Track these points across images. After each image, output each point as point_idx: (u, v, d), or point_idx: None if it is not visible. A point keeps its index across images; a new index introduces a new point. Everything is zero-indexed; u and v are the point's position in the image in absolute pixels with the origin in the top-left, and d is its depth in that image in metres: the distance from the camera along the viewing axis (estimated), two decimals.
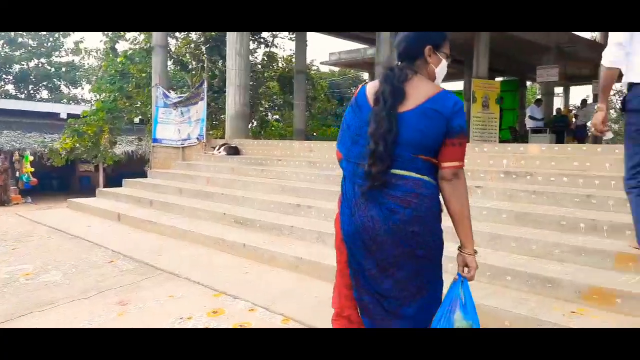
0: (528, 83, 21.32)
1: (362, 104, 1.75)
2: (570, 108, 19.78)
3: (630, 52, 2.72)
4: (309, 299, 3.38)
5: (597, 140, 11.02)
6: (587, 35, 16.24)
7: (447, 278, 1.88)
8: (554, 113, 15.31)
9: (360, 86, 1.80)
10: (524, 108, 17.29)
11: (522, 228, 3.87)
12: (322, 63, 22.03)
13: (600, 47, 16.50)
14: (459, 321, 1.71)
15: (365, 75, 22.92)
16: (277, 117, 22.72)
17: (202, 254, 4.65)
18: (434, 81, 1.78)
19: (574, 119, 14.53)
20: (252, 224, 5.21)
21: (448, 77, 21.35)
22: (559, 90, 22.53)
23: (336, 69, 27.81)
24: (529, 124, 14.18)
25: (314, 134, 21.32)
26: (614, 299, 2.78)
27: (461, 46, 16.79)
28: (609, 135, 2.95)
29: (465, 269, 1.77)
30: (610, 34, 2.77)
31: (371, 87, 1.76)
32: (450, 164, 1.67)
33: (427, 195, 1.68)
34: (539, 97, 18.26)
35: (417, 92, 1.66)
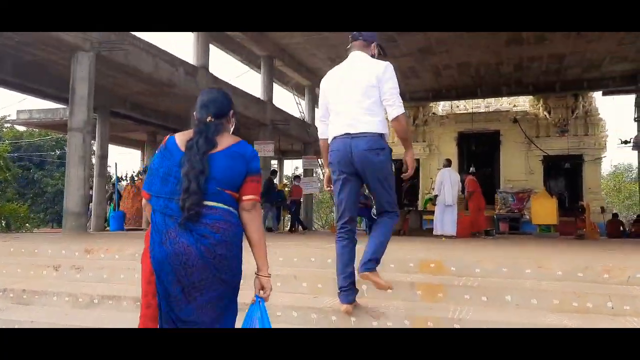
0: None
1: (172, 149, 1.95)
2: (285, 182, 20.51)
3: (329, 122, 3.20)
4: None
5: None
6: (297, 114, 17.12)
7: None
8: None
9: (167, 137, 2.00)
10: None
11: None
12: (7, 122, 17.80)
13: (307, 125, 17.65)
14: None
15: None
16: None
17: None
18: None
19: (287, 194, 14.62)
20: None
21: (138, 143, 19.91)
22: (273, 163, 23.46)
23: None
24: None
25: None
26: None
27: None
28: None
29: (261, 291, 2.01)
30: (317, 112, 3.31)
31: (182, 136, 1.98)
32: (249, 197, 1.95)
33: (233, 223, 1.91)
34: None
35: (224, 140, 1.96)
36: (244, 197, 1.93)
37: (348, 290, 3.09)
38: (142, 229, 13.80)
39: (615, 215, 15.91)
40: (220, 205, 1.88)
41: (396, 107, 3.03)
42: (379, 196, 3.16)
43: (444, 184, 10.14)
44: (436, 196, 10.53)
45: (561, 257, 4.29)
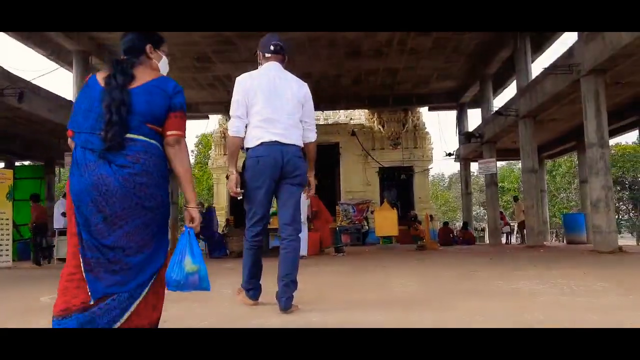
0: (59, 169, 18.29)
1: (92, 85, 2.01)
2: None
3: (248, 124, 3.26)
4: None
5: None
6: None
7: None
8: None
9: (90, 75, 2.08)
10: (54, 200, 14.16)
11: None
12: None
13: None
14: (189, 265, 2.04)
15: None
16: None
17: None
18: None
19: None
20: None
21: None
22: None
23: None
24: (60, 223, 10.90)
25: None
26: None
27: None
28: (240, 196, 3.26)
29: (190, 222, 2.11)
30: (232, 108, 3.25)
31: (102, 74, 2.03)
32: (173, 132, 2.01)
33: (154, 154, 1.97)
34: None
35: (143, 75, 2.02)
36: (168, 133, 2.01)
37: (257, 290, 3.35)
38: None
39: (446, 224, 16.96)
40: (140, 137, 1.94)
41: (314, 132, 3.41)
42: (290, 205, 3.25)
43: None
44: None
45: (450, 296, 3.59)
